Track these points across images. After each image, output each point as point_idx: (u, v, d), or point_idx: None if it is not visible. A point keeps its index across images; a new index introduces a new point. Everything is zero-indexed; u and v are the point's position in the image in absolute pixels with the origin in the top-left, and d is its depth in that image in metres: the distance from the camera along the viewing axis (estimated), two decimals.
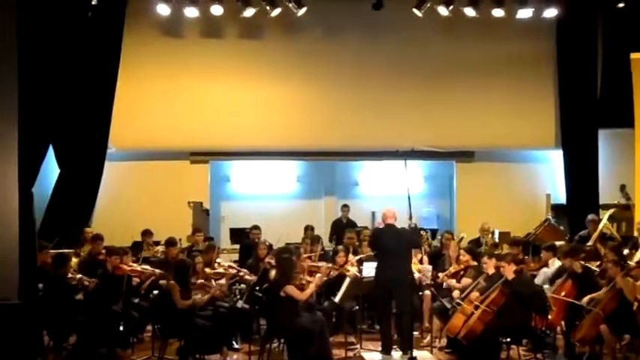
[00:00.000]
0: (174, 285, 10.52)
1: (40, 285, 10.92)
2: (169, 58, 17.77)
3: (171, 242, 13.19)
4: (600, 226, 14.50)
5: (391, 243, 11.18)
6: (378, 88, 18.01)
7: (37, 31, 13.32)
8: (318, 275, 11.24)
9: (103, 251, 12.20)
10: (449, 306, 11.21)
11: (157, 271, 11.81)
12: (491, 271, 11.13)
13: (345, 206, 17.81)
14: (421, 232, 13.93)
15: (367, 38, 18.06)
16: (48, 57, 14.39)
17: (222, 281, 11.65)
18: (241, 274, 12.27)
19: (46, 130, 15.25)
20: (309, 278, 11.16)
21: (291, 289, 10.48)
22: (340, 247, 13.38)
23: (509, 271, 10.66)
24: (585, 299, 10.62)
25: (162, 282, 11.12)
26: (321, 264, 12.13)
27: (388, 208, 11.67)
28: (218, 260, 12.52)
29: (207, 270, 11.80)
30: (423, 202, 18.79)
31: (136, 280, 11.62)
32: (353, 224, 16.83)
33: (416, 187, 18.16)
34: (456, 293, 11.58)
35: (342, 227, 16.71)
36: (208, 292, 11.21)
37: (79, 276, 11.11)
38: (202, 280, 11.37)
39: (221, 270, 12.07)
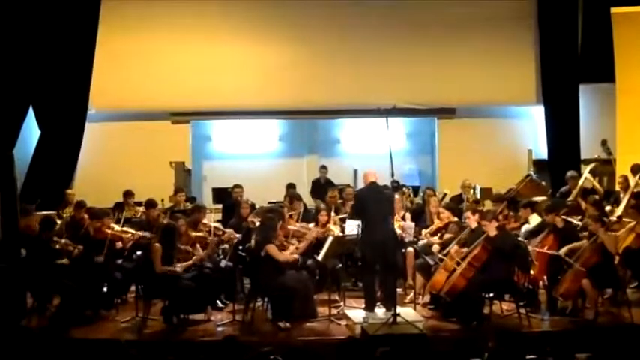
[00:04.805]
0: (158, 248, 10.50)
1: (23, 250, 10.89)
2: (149, 18, 17.63)
3: (151, 204, 13.13)
4: (580, 181, 14.54)
5: (377, 204, 11.07)
6: (359, 45, 17.90)
7: None
8: (302, 244, 11.27)
9: (86, 216, 12.17)
10: (432, 262, 11.26)
11: (140, 233, 11.80)
12: (474, 225, 11.17)
13: (324, 167, 17.82)
14: (403, 189, 13.96)
15: None
16: (26, 17, 14.24)
17: (207, 251, 11.52)
18: (225, 236, 12.19)
19: (26, 92, 15.13)
20: (294, 243, 11.21)
21: (271, 249, 10.52)
22: (323, 205, 13.38)
23: (491, 228, 10.71)
24: (564, 249, 10.72)
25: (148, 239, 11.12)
26: (304, 225, 12.15)
27: (369, 168, 11.60)
28: (204, 221, 12.41)
29: (192, 232, 11.73)
30: (405, 159, 18.78)
31: (118, 244, 11.60)
32: (331, 184, 16.81)
33: (398, 145, 18.09)
34: (435, 247, 11.64)
35: (320, 187, 16.86)
36: (190, 259, 11.14)
37: (63, 240, 11.09)
38: (186, 246, 11.29)
39: (205, 234, 11.91)
